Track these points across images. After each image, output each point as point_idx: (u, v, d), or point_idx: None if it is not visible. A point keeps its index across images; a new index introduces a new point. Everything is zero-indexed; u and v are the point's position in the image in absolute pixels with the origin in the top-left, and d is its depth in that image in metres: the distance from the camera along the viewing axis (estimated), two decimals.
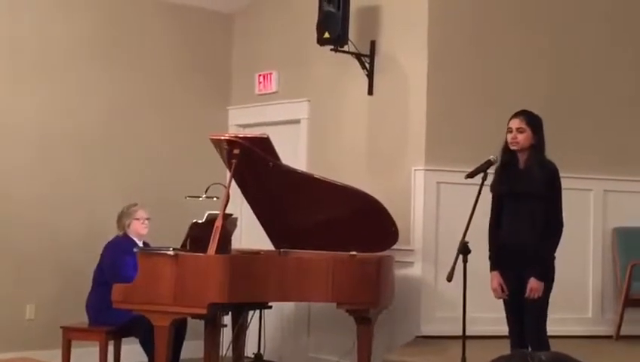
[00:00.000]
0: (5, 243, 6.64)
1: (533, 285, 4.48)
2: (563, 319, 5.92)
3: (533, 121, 4.62)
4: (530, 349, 4.54)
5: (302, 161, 6.96)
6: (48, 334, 6.41)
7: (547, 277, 4.53)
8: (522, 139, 4.59)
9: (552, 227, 4.56)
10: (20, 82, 6.78)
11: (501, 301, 4.70)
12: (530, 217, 4.56)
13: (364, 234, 5.78)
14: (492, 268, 4.68)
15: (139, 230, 6.18)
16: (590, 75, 6.54)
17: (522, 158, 4.64)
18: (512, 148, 4.61)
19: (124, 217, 6.20)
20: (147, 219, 6.22)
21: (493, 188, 4.69)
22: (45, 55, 6.90)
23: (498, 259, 4.66)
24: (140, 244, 6.14)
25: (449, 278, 4.37)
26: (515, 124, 4.62)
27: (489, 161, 4.63)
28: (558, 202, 4.60)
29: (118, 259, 5.90)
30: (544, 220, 4.54)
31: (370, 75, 6.57)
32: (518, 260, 4.57)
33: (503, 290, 4.63)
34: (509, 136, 4.62)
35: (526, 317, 4.56)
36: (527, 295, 4.49)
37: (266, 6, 7.61)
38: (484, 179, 4.60)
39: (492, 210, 4.73)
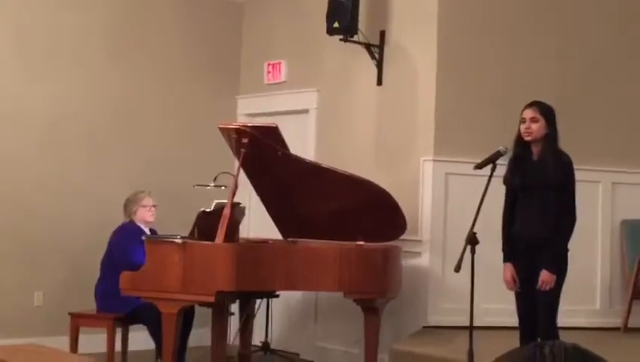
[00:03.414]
0: (14, 230, 6.67)
1: (545, 277, 4.47)
2: (571, 310, 5.92)
3: (546, 111, 4.60)
4: (540, 341, 4.55)
5: (310, 151, 6.96)
6: (56, 320, 6.44)
7: (560, 269, 4.53)
8: (536, 128, 4.56)
9: (565, 219, 4.55)
10: (29, 71, 6.80)
11: (511, 292, 4.70)
12: (544, 209, 4.54)
13: (372, 224, 5.78)
14: (505, 260, 4.68)
15: (145, 217, 6.18)
16: (600, 67, 6.51)
17: (536, 150, 4.61)
18: (526, 138, 4.58)
19: (130, 204, 6.21)
20: (154, 206, 6.22)
21: (506, 180, 4.67)
22: (55, 44, 6.91)
23: (511, 251, 4.65)
24: (147, 231, 6.15)
25: (457, 269, 4.37)
26: (529, 114, 4.59)
27: (498, 151, 4.62)
28: (571, 194, 4.58)
29: (128, 246, 5.92)
30: (558, 212, 4.53)
31: (379, 65, 6.56)
32: (531, 252, 4.56)
33: (515, 282, 4.63)
34: (523, 127, 4.59)
35: (538, 309, 4.56)
36: (538, 287, 4.48)
37: None
38: (493, 170, 4.60)
39: (505, 203, 4.72)
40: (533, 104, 4.64)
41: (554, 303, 4.54)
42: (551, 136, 4.58)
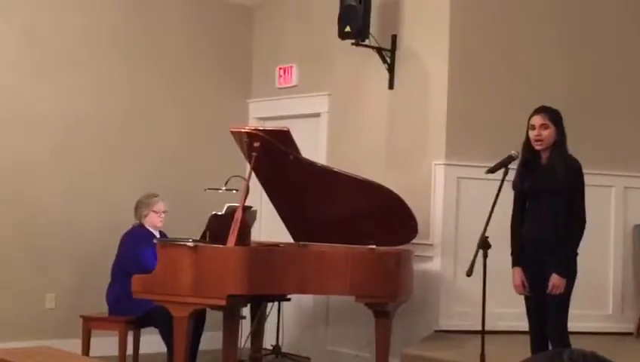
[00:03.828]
0: (26, 232, 6.70)
1: (556, 282, 4.46)
2: (583, 315, 5.90)
3: (555, 117, 4.58)
4: (551, 346, 4.54)
5: (322, 155, 6.96)
6: (68, 323, 6.47)
7: (569, 273, 4.52)
8: (546, 135, 4.54)
9: (575, 224, 4.53)
10: (40, 73, 6.82)
11: (522, 297, 4.69)
12: (553, 214, 4.52)
13: (384, 227, 5.78)
14: (514, 265, 4.67)
15: (155, 222, 6.19)
16: (613, 70, 6.49)
17: (545, 155, 4.60)
18: (537, 147, 4.56)
19: (142, 207, 6.21)
20: (164, 212, 6.23)
21: (515, 185, 4.66)
22: (66, 47, 6.94)
23: (520, 256, 4.64)
24: (157, 235, 6.17)
25: (469, 273, 4.36)
26: (539, 120, 4.56)
27: (510, 156, 4.61)
28: (581, 199, 4.56)
29: (139, 250, 5.93)
30: (567, 217, 4.52)
31: (390, 69, 6.56)
32: (541, 257, 4.55)
33: (524, 287, 4.62)
34: (533, 134, 4.56)
35: (548, 313, 4.55)
36: (549, 291, 4.47)
37: None
38: (505, 174, 4.58)
39: (514, 208, 4.70)
40: (542, 110, 4.61)
41: (564, 307, 4.53)
42: (560, 141, 4.57)
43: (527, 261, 4.63)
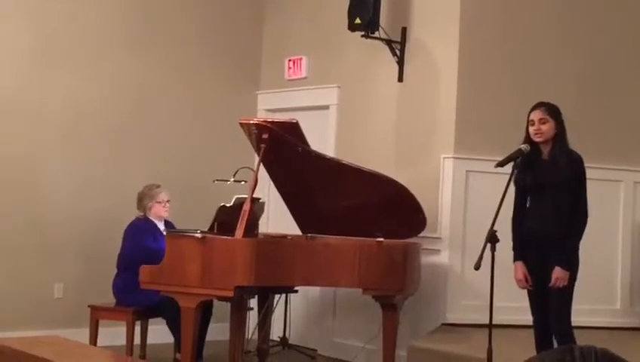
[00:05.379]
0: (35, 222, 6.72)
1: (559, 274, 4.47)
2: (591, 310, 5.90)
3: (554, 111, 4.63)
4: (555, 340, 4.54)
5: (330, 147, 6.96)
6: (76, 313, 6.49)
7: (572, 266, 4.52)
8: (546, 129, 4.58)
9: (577, 217, 4.56)
10: (50, 67, 6.84)
11: (526, 290, 4.69)
12: (556, 207, 4.55)
13: (392, 220, 5.77)
14: (516, 259, 4.67)
15: (160, 213, 6.20)
16: (622, 64, 6.47)
17: (546, 149, 4.63)
18: (537, 140, 4.59)
19: (145, 198, 6.22)
20: (168, 201, 6.24)
21: (517, 180, 4.66)
22: (75, 38, 6.95)
23: (522, 250, 4.65)
24: (161, 225, 6.18)
25: (477, 267, 4.36)
26: (538, 115, 4.61)
27: (520, 149, 4.60)
28: (583, 192, 4.59)
29: (142, 240, 5.95)
30: (570, 210, 4.53)
31: (400, 62, 6.54)
32: (543, 250, 4.56)
33: (527, 281, 4.63)
34: (532, 129, 4.61)
35: (551, 307, 4.55)
36: (552, 284, 4.48)
37: None
38: (514, 168, 4.59)
39: (515, 202, 4.72)
40: (541, 105, 4.67)
41: (567, 300, 4.54)
42: (560, 134, 4.60)
43: (530, 255, 4.63)
